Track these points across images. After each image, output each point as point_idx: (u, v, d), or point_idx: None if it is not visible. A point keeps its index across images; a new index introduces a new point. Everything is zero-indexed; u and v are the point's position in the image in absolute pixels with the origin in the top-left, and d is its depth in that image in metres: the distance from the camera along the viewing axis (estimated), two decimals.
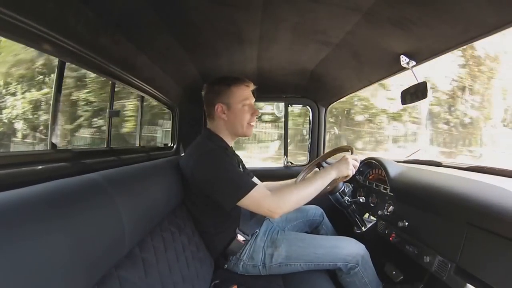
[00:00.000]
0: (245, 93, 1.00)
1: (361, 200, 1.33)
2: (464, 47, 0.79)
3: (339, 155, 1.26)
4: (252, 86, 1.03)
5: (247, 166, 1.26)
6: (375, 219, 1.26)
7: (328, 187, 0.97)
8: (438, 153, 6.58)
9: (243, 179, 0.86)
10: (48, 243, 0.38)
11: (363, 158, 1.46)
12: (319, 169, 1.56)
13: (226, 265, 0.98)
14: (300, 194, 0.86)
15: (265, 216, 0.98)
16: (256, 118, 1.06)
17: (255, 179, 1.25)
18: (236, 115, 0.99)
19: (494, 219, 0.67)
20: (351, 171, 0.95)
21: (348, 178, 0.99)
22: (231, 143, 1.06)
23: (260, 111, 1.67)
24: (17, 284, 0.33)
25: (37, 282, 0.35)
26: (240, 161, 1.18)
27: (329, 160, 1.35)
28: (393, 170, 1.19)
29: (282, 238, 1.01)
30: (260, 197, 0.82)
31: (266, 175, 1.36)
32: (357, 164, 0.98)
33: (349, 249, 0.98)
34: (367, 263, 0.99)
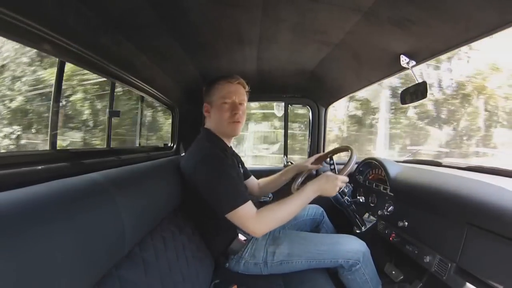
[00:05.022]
0: (224, 89, 0.97)
1: (361, 200, 1.33)
2: (464, 46, 0.79)
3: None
4: (236, 81, 0.99)
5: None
6: (375, 219, 1.26)
7: None
8: None
9: (238, 191, 0.86)
10: (49, 243, 0.38)
11: (362, 158, 1.47)
12: (316, 170, 1.57)
13: (227, 264, 0.98)
14: (283, 215, 0.88)
15: None
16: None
17: (252, 178, 1.27)
18: (216, 113, 0.98)
19: (494, 219, 0.67)
20: (335, 192, 0.95)
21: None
22: (229, 143, 1.06)
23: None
24: (18, 284, 0.33)
25: (37, 282, 0.35)
26: (240, 161, 1.18)
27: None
28: (393, 170, 1.19)
29: (284, 236, 1.02)
30: (247, 217, 0.84)
31: (266, 175, 1.36)
32: (343, 186, 0.96)
33: (350, 246, 0.98)
34: (368, 260, 0.99)
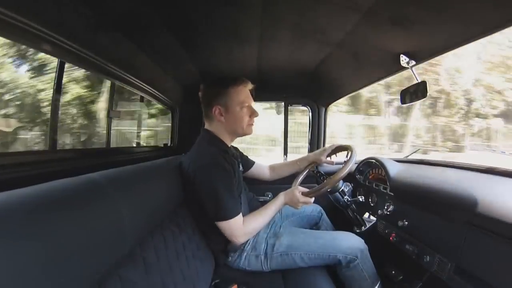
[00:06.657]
0: (243, 94, 0.99)
1: (360, 199, 1.33)
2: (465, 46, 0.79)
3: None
4: (250, 86, 1.02)
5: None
6: (375, 218, 1.26)
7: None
8: None
9: (232, 204, 0.90)
10: (49, 243, 0.38)
11: (362, 158, 1.47)
12: (317, 168, 1.57)
13: (229, 259, 1.00)
14: (263, 223, 0.98)
15: None
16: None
17: (256, 164, 1.31)
18: (235, 118, 0.99)
19: (494, 219, 0.67)
20: (298, 209, 1.01)
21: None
22: (230, 143, 1.07)
23: None
24: (18, 284, 0.33)
25: (38, 282, 0.35)
26: (240, 161, 1.18)
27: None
28: (393, 170, 1.19)
29: (284, 229, 1.06)
30: (234, 228, 0.90)
31: None
32: (309, 203, 1.00)
33: (348, 242, 0.99)
34: (366, 257, 1.00)
